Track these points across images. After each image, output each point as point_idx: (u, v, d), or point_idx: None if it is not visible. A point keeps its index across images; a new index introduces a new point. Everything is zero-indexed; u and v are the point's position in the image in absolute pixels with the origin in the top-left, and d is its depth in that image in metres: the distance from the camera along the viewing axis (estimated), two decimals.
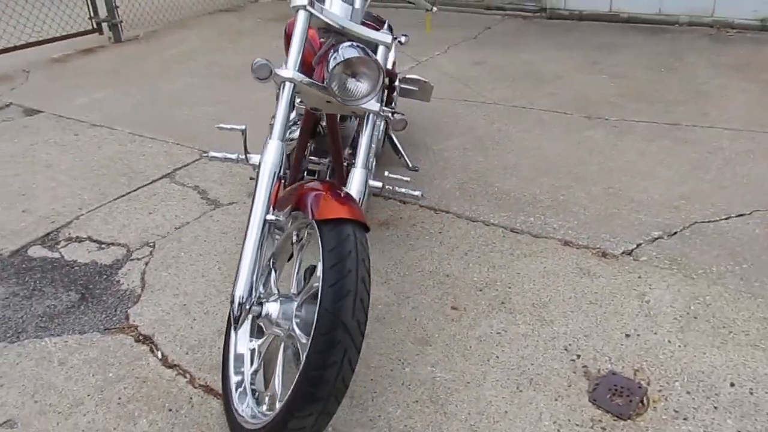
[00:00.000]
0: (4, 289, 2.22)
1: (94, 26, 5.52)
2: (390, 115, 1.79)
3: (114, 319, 2.04)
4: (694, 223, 2.41)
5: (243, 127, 2.09)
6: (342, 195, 1.47)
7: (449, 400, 1.66)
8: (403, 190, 2.34)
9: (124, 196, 2.83)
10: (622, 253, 2.26)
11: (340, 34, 1.71)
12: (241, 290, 1.43)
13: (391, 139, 3.01)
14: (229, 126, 2.12)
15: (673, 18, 5.20)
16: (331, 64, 1.55)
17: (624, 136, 3.21)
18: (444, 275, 2.18)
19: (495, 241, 2.37)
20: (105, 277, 2.27)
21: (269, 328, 1.52)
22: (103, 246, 2.46)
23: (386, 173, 2.29)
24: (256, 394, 1.59)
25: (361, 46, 1.60)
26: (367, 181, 1.66)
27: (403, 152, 2.98)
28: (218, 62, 4.93)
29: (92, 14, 5.48)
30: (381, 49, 1.75)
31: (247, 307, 1.44)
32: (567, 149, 3.09)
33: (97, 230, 2.56)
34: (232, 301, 1.43)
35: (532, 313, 1.98)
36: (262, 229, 1.49)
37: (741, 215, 2.44)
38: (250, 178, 2.37)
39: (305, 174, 2.28)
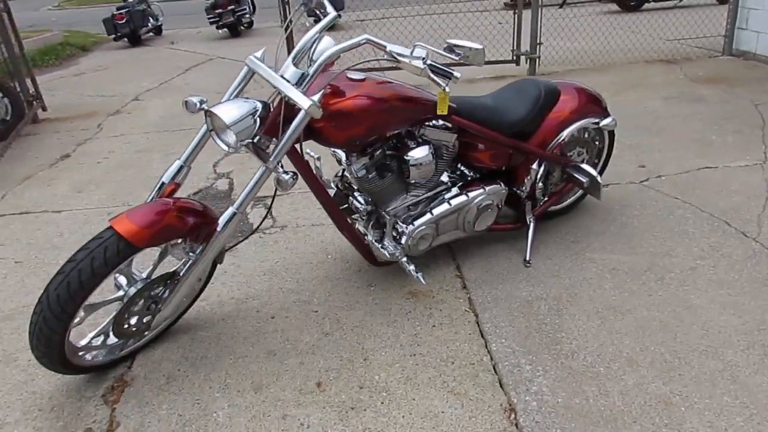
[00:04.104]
0: None
1: (513, 58, 6.20)
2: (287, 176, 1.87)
3: None
4: None
5: (317, 155, 2.48)
6: (154, 219, 1.77)
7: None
8: (404, 260, 2.28)
9: None
10: None
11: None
12: None
13: (528, 225, 2.69)
14: (307, 150, 2.53)
15: None
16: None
17: None
18: (363, 358, 2.07)
19: (459, 362, 2.02)
20: None
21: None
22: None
23: (385, 244, 2.30)
24: None
25: (240, 101, 1.80)
26: (229, 221, 1.87)
27: (530, 243, 2.63)
28: None
29: (514, 47, 6.16)
30: (301, 112, 1.86)
31: None
32: (724, 330, 2.07)
33: (275, 205, 3.36)
34: None
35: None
36: None
37: None
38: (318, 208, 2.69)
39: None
